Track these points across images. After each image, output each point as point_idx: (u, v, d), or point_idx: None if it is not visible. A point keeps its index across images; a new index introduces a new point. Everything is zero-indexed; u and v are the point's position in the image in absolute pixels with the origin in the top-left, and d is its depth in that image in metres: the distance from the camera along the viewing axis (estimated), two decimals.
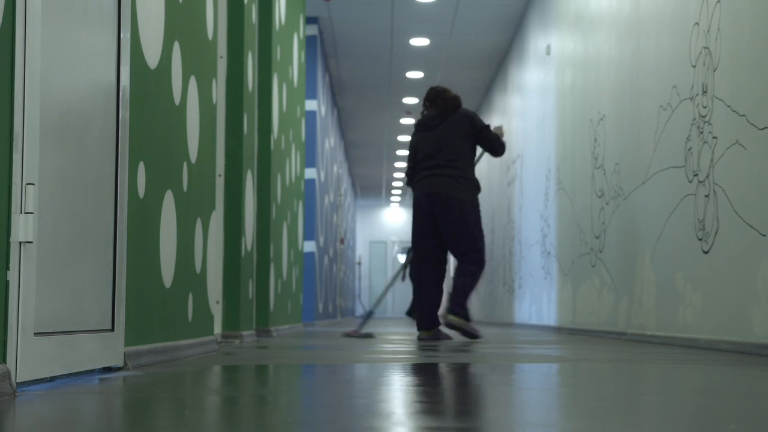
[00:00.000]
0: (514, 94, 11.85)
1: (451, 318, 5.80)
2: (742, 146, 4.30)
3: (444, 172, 5.94)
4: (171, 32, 3.43)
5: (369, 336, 6.15)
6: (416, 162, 6.07)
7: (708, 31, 4.78)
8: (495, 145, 6.11)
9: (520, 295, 10.75)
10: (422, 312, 5.94)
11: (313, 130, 10.92)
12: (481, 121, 6.11)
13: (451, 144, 5.97)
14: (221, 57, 5.28)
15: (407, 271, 6.60)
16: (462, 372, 3.05)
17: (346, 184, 18.88)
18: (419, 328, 5.95)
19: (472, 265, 5.94)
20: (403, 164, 21.15)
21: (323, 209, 12.32)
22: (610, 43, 6.88)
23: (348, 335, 6.21)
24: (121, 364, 2.75)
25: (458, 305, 5.83)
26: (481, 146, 6.12)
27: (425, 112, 6.15)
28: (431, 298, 6.00)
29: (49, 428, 1.57)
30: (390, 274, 28.95)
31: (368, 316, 6.69)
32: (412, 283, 6.14)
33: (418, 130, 6.12)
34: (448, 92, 6.11)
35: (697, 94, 4.93)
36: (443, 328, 6.13)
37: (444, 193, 5.92)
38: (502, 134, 6.28)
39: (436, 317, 5.93)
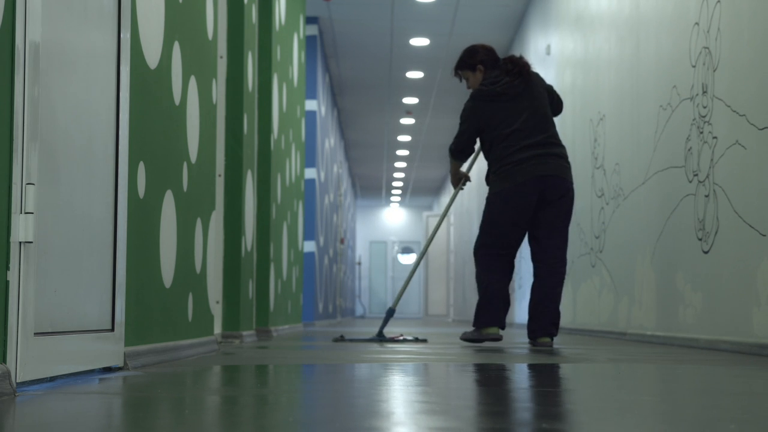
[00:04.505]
0: None
1: (547, 341, 4.86)
2: (742, 146, 4.30)
3: (554, 152, 4.94)
4: (171, 32, 3.43)
5: (419, 340, 5.38)
6: (495, 138, 4.96)
7: (708, 31, 4.78)
8: (561, 103, 5.26)
9: (520, 296, 10.74)
10: (500, 309, 4.91)
11: (313, 130, 10.92)
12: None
13: (545, 115, 4.99)
14: (221, 57, 5.28)
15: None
16: (462, 372, 3.05)
17: (346, 184, 18.88)
18: (491, 325, 4.89)
19: (563, 268, 4.98)
20: (403, 164, 21.08)
21: (323, 209, 12.31)
22: (610, 43, 6.88)
23: (391, 340, 5.40)
24: (121, 364, 2.75)
25: (557, 326, 4.92)
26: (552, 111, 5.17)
27: (481, 79, 5.10)
28: (509, 297, 5.04)
29: (49, 428, 1.57)
30: (390, 274, 28.92)
31: (390, 315, 5.67)
32: (488, 272, 4.98)
33: (491, 99, 4.98)
34: (513, 55, 5.17)
35: (697, 94, 4.93)
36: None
37: (560, 176, 4.91)
38: None
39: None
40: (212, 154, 4.16)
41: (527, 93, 4.98)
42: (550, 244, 4.94)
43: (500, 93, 4.96)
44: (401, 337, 5.43)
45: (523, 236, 5.00)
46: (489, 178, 5.06)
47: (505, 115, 4.94)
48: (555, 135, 5.00)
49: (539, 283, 4.96)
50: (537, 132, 4.92)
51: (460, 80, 5.27)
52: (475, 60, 5.12)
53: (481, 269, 5.00)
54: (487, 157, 5.08)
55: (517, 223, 4.92)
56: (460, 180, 5.44)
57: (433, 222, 21.82)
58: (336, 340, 5.50)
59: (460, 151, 5.16)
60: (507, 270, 4.99)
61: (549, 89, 5.13)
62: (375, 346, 4.76)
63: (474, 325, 4.94)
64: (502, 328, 4.90)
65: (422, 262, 23.43)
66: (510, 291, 6.72)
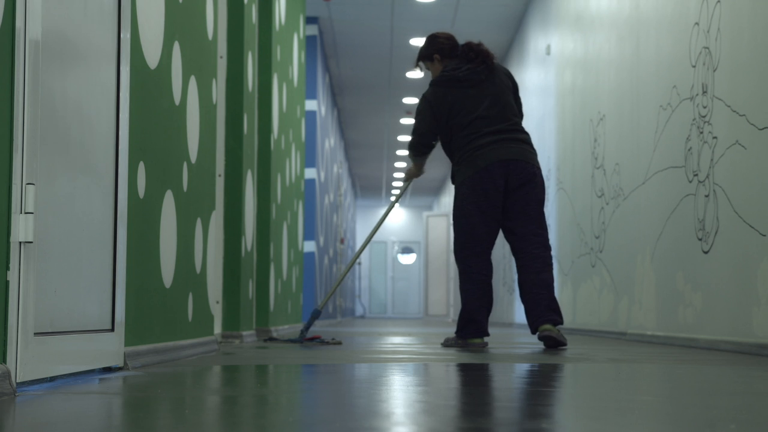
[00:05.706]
0: None
1: (552, 330, 4.51)
2: (742, 146, 4.30)
3: (516, 137, 4.75)
4: (171, 32, 3.43)
5: (336, 342, 5.03)
6: (454, 127, 4.77)
7: (708, 31, 4.78)
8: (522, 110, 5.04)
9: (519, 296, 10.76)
10: (484, 316, 4.70)
11: (313, 130, 10.92)
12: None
13: (508, 103, 4.80)
14: (221, 57, 5.28)
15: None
16: (462, 372, 3.05)
17: (346, 184, 18.88)
18: (475, 336, 4.68)
19: (547, 250, 4.70)
20: (403, 164, 21.06)
21: (323, 209, 12.32)
22: (610, 43, 6.88)
23: (308, 340, 5.18)
24: (121, 364, 2.75)
25: (558, 313, 4.59)
26: None
27: (442, 66, 4.91)
28: (492, 299, 4.79)
29: (49, 428, 1.57)
30: (390, 274, 28.92)
31: (315, 316, 5.35)
32: (467, 280, 4.75)
33: (453, 85, 4.79)
34: (471, 41, 4.95)
35: (697, 94, 4.93)
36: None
37: (523, 160, 4.69)
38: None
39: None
40: (212, 154, 4.16)
41: (490, 80, 4.80)
42: (527, 231, 4.69)
43: (462, 79, 4.77)
44: (318, 339, 5.23)
45: (496, 230, 4.74)
46: (453, 173, 4.85)
47: (467, 102, 4.75)
48: (518, 123, 4.82)
49: (523, 273, 4.69)
50: (499, 119, 4.74)
51: (421, 71, 5.13)
52: (432, 50, 4.93)
53: (461, 278, 4.79)
54: (448, 151, 4.86)
55: (485, 210, 4.67)
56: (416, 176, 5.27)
57: (433, 222, 21.81)
58: (265, 340, 5.45)
59: (419, 145, 4.93)
60: (486, 272, 4.73)
61: (515, 87, 4.94)
62: (369, 347, 4.76)
63: (457, 334, 4.73)
64: (487, 335, 4.72)
65: (422, 263, 23.41)
66: (509, 292, 6.69)
